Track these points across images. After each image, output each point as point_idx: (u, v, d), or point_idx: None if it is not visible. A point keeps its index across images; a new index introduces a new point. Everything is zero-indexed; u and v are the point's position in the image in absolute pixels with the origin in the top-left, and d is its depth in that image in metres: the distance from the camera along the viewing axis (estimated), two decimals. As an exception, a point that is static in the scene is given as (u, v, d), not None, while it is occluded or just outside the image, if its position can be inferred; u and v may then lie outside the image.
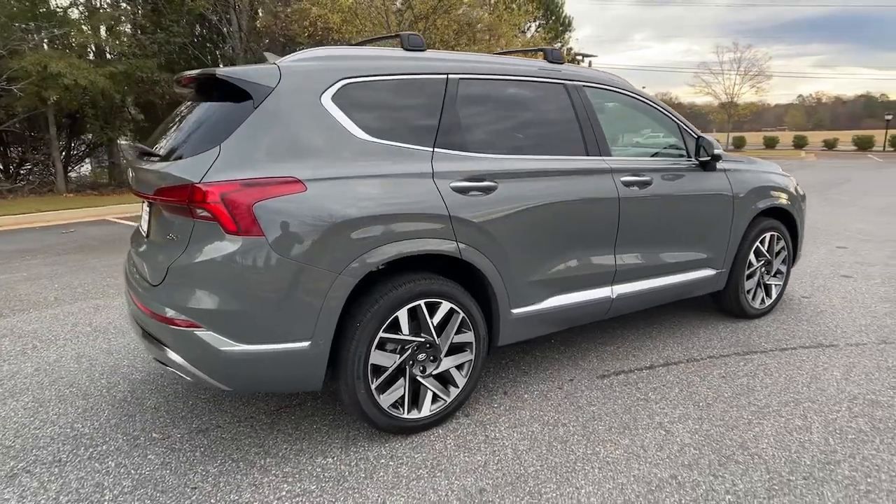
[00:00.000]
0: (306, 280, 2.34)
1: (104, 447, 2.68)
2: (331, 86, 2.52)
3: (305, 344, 2.38)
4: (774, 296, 4.35)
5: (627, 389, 3.15)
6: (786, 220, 4.30)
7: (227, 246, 2.25)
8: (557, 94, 3.21)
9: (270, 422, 2.89)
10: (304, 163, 2.39)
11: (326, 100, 2.50)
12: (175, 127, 2.75)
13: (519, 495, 2.26)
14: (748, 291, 4.13)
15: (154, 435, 2.79)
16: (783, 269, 4.38)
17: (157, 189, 2.40)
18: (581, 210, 3.11)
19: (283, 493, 2.32)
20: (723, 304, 4.20)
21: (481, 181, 2.76)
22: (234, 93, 2.41)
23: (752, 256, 4.08)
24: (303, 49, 2.77)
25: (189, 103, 2.81)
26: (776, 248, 4.26)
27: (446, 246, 2.63)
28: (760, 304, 4.25)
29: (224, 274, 2.27)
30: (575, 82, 3.29)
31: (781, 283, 4.39)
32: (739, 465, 2.43)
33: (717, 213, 3.79)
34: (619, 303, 3.39)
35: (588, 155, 3.21)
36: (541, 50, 3.38)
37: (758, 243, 4.09)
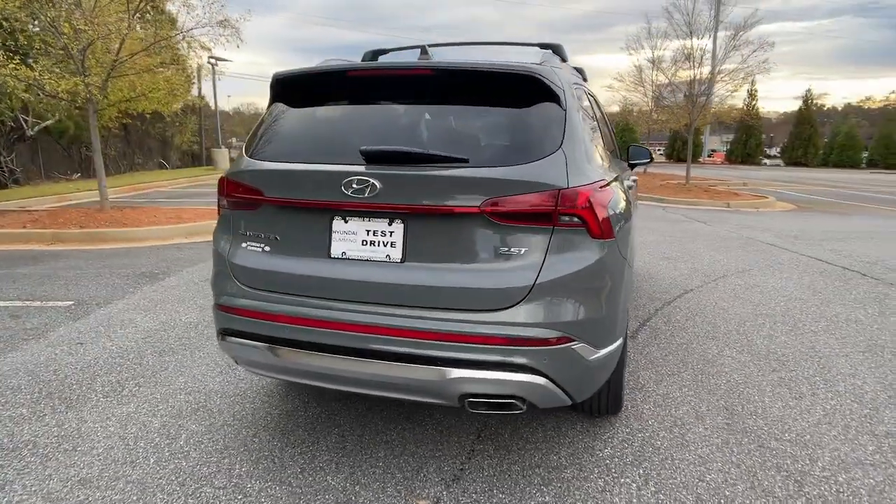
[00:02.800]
0: (627, 276, 2.45)
1: (397, 537, 2.08)
2: (570, 89, 2.60)
3: (620, 341, 2.47)
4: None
5: (664, 336, 4.08)
6: None
7: (595, 251, 2.18)
8: (592, 101, 3.83)
9: (499, 446, 2.69)
10: (591, 165, 2.45)
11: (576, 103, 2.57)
12: (415, 126, 2.32)
13: (762, 417, 2.95)
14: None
15: (419, 502, 2.28)
16: (634, 241, 6.04)
17: (494, 199, 2.07)
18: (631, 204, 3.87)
19: (634, 484, 2.39)
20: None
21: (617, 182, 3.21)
22: (537, 93, 2.28)
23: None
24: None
25: (416, 98, 2.38)
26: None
27: None
28: (631, 270, 5.78)
29: (593, 280, 2.19)
30: (587, 90, 3.95)
31: (633, 253, 6.05)
32: (836, 332, 3.69)
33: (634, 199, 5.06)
34: None
35: (615, 156, 3.97)
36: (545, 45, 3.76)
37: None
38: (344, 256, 2.27)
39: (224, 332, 2.50)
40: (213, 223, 8.96)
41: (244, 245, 2.47)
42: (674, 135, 42.15)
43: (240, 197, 2.46)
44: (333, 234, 2.28)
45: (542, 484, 2.40)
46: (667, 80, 18.26)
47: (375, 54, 3.51)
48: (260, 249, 2.42)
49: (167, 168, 28.29)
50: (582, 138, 2.36)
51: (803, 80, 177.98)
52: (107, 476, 2.45)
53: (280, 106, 2.61)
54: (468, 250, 2.15)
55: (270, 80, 2.57)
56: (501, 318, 2.09)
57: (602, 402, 2.76)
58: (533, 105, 2.30)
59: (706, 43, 15.78)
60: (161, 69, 10.07)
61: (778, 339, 4.11)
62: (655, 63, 18.93)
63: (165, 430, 2.84)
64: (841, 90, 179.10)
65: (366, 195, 2.16)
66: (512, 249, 2.13)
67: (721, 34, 16.19)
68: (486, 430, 2.83)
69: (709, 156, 49.47)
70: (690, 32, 15.67)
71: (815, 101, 46.88)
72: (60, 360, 3.72)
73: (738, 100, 23.51)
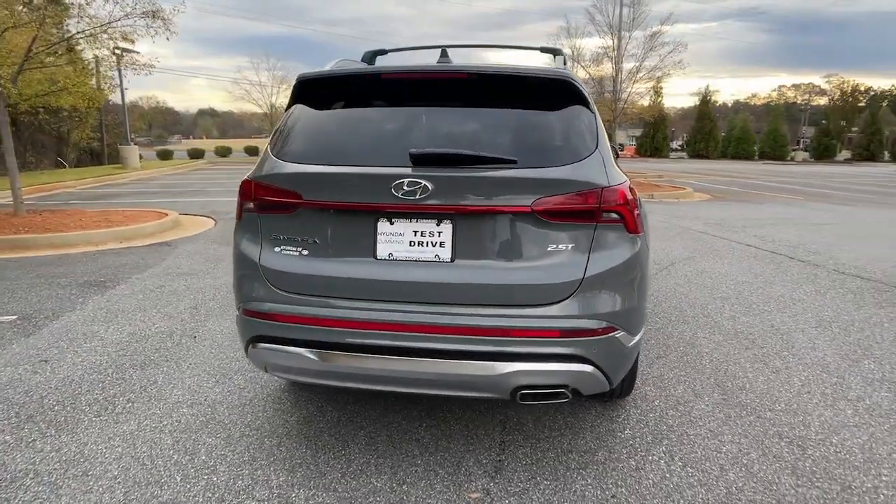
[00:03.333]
0: (649, 267, 2.60)
1: (462, 531, 2.12)
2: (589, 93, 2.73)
3: (643, 328, 2.63)
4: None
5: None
6: None
7: (630, 245, 2.32)
8: None
9: (528, 436, 2.78)
10: (615, 165, 2.59)
11: None
12: (452, 128, 2.34)
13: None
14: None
15: (472, 496, 2.33)
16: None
17: (546, 198, 2.16)
18: None
19: (662, 461, 2.57)
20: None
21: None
22: (568, 97, 2.39)
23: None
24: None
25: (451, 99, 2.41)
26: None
27: None
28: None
29: (629, 272, 2.32)
30: None
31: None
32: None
33: None
34: None
35: None
36: (546, 49, 3.96)
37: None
38: (391, 258, 2.26)
39: (256, 340, 2.42)
40: (148, 226, 8.56)
41: (277, 249, 2.39)
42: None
43: (272, 200, 2.38)
44: (379, 236, 2.27)
45: (580, 468, 2.52)
46: (587, 76, 19.09)
47: (374, 55, 3.48)
48: (297, 253, 2.36)
49: (65, 167, 26.08)
50: (606, 140, 2.49)
51: (696, 78, 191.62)
52: (135, 499, 2.31)
53: (306, 108, 2.55)
54: (518, 248, 2.22)
55: (295, 81, 2.51)
56: (553, 311, 2.18)
57: (621, 386, 2.92)
58: (566, 108, 2.40)
59: (625, 44, 16.71)
60: (58, 63, 9.30)
61: (740, 319, 4.50)
62: (577, 59, 19.72)
63: (180, 445, 2.70)
64: (729, 87, 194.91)
65: (416, 197, 2.17)
66: (560, 246, 2.22)
67: (639, 34, 17.16)
68: (510, 422, 2.92)
69: (620, 150, 52.21)
70: (612, 33, 16.51)
71: (710, 98, 50.66)
72: (28, 381, 3.42)
73: (647, 97, 24.92)
